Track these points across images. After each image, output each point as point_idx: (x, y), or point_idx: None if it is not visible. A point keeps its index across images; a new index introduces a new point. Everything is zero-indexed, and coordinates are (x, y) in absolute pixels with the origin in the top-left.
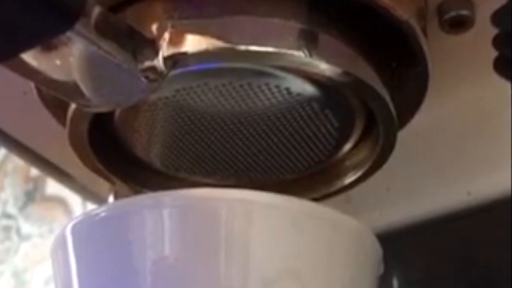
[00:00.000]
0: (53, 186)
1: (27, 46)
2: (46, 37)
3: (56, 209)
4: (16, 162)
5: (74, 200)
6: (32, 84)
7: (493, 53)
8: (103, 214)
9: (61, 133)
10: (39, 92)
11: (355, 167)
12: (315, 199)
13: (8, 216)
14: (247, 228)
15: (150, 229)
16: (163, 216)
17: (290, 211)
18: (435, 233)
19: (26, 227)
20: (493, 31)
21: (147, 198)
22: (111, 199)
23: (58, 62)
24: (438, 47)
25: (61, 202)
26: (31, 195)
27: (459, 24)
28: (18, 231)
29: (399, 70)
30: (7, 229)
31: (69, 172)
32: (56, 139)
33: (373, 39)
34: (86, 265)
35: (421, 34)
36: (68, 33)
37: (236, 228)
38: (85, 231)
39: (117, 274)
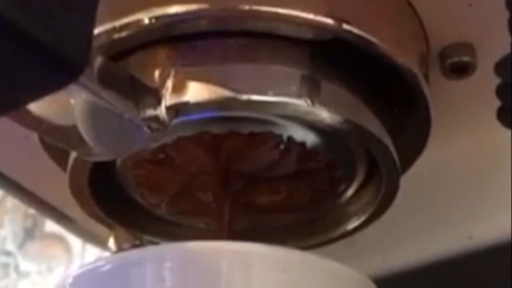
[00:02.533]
0: (52, 224)
1: (30, 99)
2: (49, 91)
3: (55, 247)
4: (15, 199)
5: (74, 238)
6: None
7: (495, 99)
8: (104, 268)
9: (62, 176)
10: (40, 137)
11: (357, 213)
12: (317, 245)
13: (7, 253)
14: (247, 280)
15: (151, 282)
16: (164, 269)
17: (290, 264)
18: (437, 277)
19: (24, 265)
20: (495, 77)
21: (148, 251)
22: (111, 242)
23: (60, 110)
24: (439, 93)
25: (60, 239)
26: (30, 232)
27: (461, 70)
28: (16, 268)
29: (401, 116)
30: (5, 266)
31: (69, 215)
32: (56, 182)
33: (375, 85)
34: None
35: (423, 81)
36: (71, 85)
37: (236, 280)
38: (85, 284)
39: None
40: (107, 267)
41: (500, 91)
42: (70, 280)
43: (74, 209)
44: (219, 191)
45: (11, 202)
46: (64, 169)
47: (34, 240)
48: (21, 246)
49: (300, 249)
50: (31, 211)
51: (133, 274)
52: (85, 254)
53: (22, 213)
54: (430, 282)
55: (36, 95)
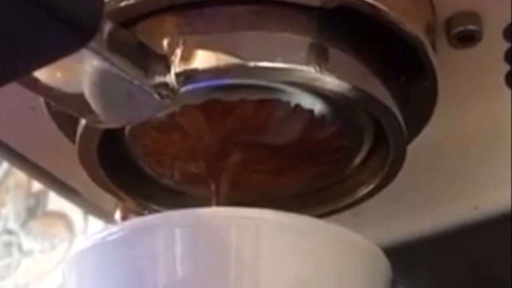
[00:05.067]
0: (54, 202)
1: (41, 64)
2: (60, 55)
3: (57, 225)
4: (17, 177)
5: (76, 215)
6: (41, 99)
7: (501, 68)
8: (115, 235)
9: (67, 148)
10: (49, 107)
11: (364, 182)
12: (322, 215)
13: (9, 232)
14: (256, 246)
15: (161, 248)
16: (175, 235)
17: (300, 229)
18: (442, 247)
19: (27, 243)
20: (501, 45)
21: (158, 218)
22: (117, 214)
23: (69, 77)
24: (445, 62)
25: (62, 217)
26: (33, 211)
27: (467, 39)
28: (19, 247)
29: (407, 84)
30: (8, 245)
31: (74, 187)
32: (61, 154)
33: (382, 53)
34: (99, 286)
35: (430, 49)
36: (82, 50)
37: (246, 246)
38: (97, 252)
39: None
40: (119, 234)
41: (509, 56)
42: (82, 249)
43: (78, 181)
44: (213, 163)
45: (13, 180)
46: (72, 140)
47: (37, 219)
48: (23, 224)
49: None
50: (33, 189)
51: (143, 241)
52: (87, 232)
53: (24, 192)
54: (436, 252)
55: (47, 59)
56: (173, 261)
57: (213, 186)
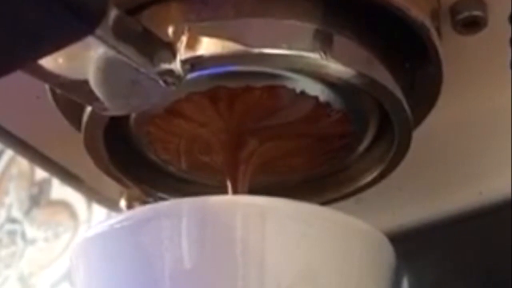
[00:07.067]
0: (58, 190)
1: (47, 52)
2: (66, 43)
3: (61, 213)
4: (21, 166)
5: (80, 204)
6: (46, 88)
7: (506, 53)
8: (123, 223)
9: (72, 136)
10: (54, 95)
11: (368, 169)
12: (327, 202)
13: (13, 220)
14: (262, 234)
15: (169, 236)
16: (181, 223)
17: (305, 217)
18: (447, 233)
19: (31, 232)
20: (507, 31)
21: (166, 205)
22: (122, 203)
23: (74, 64)
24: (450, 48)
25: (66, 206)
26: (36, 199)
27: (472, 25)
28: (23, 235)
29: (412, 71)
30: (12, 233)
31: (78, 174)
32: (66, 142)
33: (387, 39)
34: (106, 274)
35: (436, 35)
36: (88, 38)
37: (252, 234)
38: (105, 240)
39: (136, 282)
40: (127, 222)
41: None
42: (89, 237)
43: (82, 169)
44: (230, 153)
45: (17, 169)
46: (77, 128)
47: (40, 207)
48: (27, 213)
49: None
50: (37, 178)
51: (151, 229)
52: (91, 220)
53: (27, 181)
54: (441, 239)
55: (54, 47)
56: (180, 249)
57: (228, 178)
